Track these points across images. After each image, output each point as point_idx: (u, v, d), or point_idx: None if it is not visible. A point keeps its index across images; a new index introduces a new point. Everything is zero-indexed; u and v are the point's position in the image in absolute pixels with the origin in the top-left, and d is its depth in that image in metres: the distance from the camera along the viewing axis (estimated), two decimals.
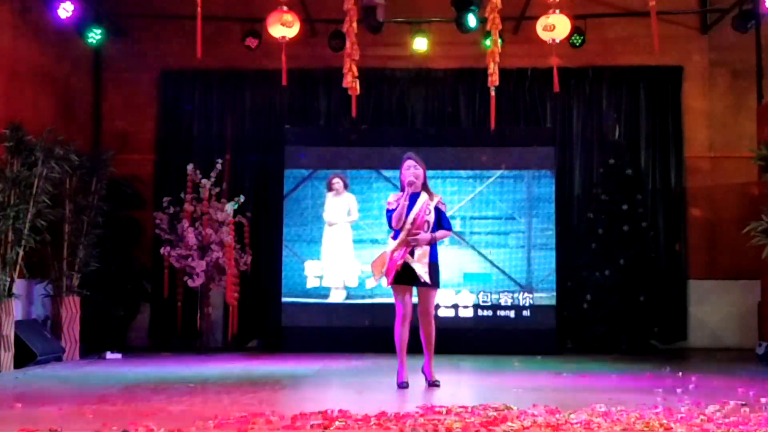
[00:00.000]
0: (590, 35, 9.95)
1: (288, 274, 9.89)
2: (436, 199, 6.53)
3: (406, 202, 6.37)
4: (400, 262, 6.35)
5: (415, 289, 6.48)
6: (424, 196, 6.47)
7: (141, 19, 10.42)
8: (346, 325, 9.73)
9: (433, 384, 6.47)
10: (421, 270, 6.35)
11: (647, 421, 4.57)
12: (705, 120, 10.68)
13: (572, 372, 7.59)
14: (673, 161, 10.52)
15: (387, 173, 9.85)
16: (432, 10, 10.27)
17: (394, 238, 6.45)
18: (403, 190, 6.45)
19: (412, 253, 6.37)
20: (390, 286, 6.50)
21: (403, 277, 6.38)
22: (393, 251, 6.39)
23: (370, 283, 9.71)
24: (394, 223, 6.41)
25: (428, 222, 6.42)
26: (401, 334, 6.42)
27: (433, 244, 6.45)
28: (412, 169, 6.45)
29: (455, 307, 9.74)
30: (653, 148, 10.54)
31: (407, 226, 6.36)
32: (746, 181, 10.08)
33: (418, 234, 6.36)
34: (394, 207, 6.42)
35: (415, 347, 6.57)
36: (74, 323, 8.77)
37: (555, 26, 8.20)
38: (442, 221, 6.52)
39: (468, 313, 9.74)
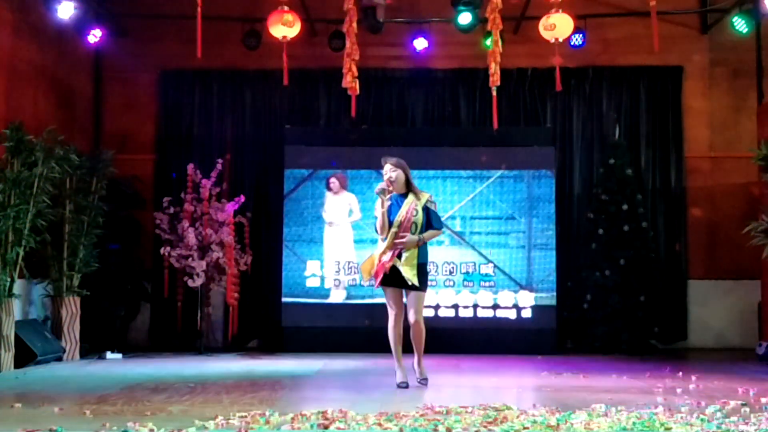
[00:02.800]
0: (590, 35, 9.96)
1: (288, 274, 9.90)
2: (424, 198, 6.46)
3: (385, 210, 6.34)
4: (388, 265, 6.34)
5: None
6: (410, 197, 6.42)
7: (141, 19, 10.42)
8: (346, 325, 9.73)
9: (421, 382, 6.47)
10: (410, 273, 6.31)
11: (647, 421, 4.57)
12: (705, 120, 10.68)
13: (572, 372, 7.59)
14: (673, 161, 10.53)
15: None
16: (432, 10, 10.27)
17: (384, 240, 6.44)
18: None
19: (399, 256, 6.35)
20: (380, 288, 6.51)
21: (392, 279, 6.37)
22: (381, 254, 6.39)
23: (368, 283, 9.74)
24: (378, 231, 6.43)
25: (415, 224, 6.36)
26: (395, 335, 6.44)
27: (421, 247, 6.39)
28: (389, 173, 6.42)
29: (455, 307, 9.73)
30: (653, 148, 10.54)
31: (393, 228, 6.34)
32: (746, 181, 10.09)
33: (404, 237, 6.33)
34: (377, 215, 6.42)
35: (411, 349, 6.58)
36: (74, 323, 8.77)
37: (555, 25, 8.20)
38: (431, 221, 6.45)
39: (468, 313, 9.73)
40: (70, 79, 10.10)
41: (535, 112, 10.58)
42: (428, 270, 6.62)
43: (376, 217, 6.46)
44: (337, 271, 9.87)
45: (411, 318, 6.42)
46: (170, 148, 10.64)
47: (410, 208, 6.37)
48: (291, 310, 9.81)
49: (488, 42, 8.53)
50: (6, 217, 7.52)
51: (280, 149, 10.12)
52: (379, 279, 6.40)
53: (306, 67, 10.25)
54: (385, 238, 6.38)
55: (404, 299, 6.47)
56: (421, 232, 6.38)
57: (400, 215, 6.34)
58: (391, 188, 6.40)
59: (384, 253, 6.37)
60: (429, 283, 6.73)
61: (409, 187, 6.46)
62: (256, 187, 10.53)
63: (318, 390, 6.56)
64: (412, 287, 6.35)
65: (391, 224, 6.35)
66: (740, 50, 10.38)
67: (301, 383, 6.96)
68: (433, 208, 6.50)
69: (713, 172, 10.61)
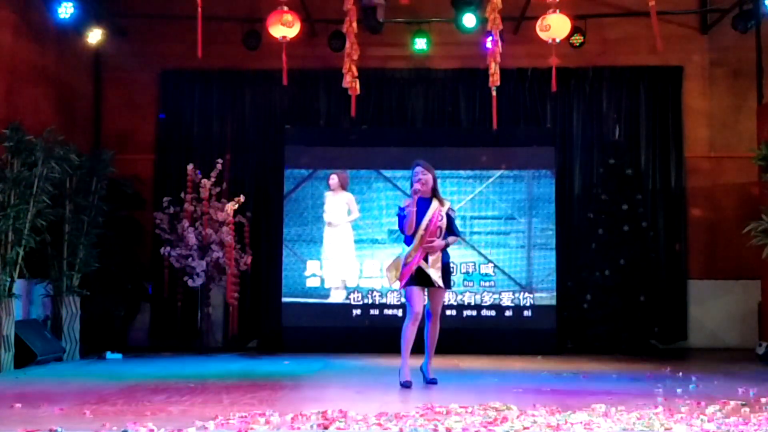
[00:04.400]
0: (590, 35, 9.96)
1: (288, 274, 9.89)
2: (446, 206, 6.63)
3: (414, 208, 6.46)
4: (415, 267, 6.47)
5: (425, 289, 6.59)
6: (435, 203, 6.57)
7: (141, 19, 10.42)
8: (346, 325, 9.73)
9: (431, 381, 6.57)
10: (435, 275, 6.49)
11: (647, 421, 4.57)
12: (705, 120, 10.68)
13: (572, 372, 7.59)
14: (673, 161, 10.52)
15: (387, 173, 9.86)
16: (432, 10, 10.27)
17: (407, 243, 6.55)
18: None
19: (426, 259, 6.49)
20: (403, 289, 6.61)
21: (417, 279, 6.49)
22: (407, 256, 6.50)
23: (368, 283, 9.76)
24: (405, 230, 6.52)
25: (441, 228, 6.53)
26: (410, 334, 6.51)
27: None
28: (419, 175, 6.56)
29: (455, 307, 9.73)
30: (653, 148, 10.54)
31: (421, 232, 6.46)
32: (746, 181, 10.08)
33: (432, 241, 6.46)
34: (405, 214, 6.52)
35: (416, 348, 6.60)
36: (74, 323, 8.76)
37: (550, 26, 8.20)
38: (452, 227, 6.63)
39: (468, 312, 9.74)
40: (70, 79, 10.10)
41: (535, 112, 10.57)
42: (451, 269, 6.75)
43: (401, 216, 6.55)
44: (337, 271, 9.88)
45: (432, 314, 6.58)
46: (170, 148, 10.64)
47: (436, 213, 6.53)
48: (291, 310, 9.81)
49: (488, 42, 8.53)
50: (6, 217, 7.52)
51: (280, 149, 10.12)
52: (405, 280, 6.49)
53: (306, 67, 10.25)
54: (409, 238, 6.48)
55: (424, 298, 6.56)
56: (444, 237, 6.54)
57: (427, 219, 6.47)
58: (423, 189, 6.52)
59: (411, 255, 6.48)
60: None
61: (434, 193, 6.59)
62: (256, 187, 10.53)
63: (318, 390, 6.56)
64: (437, 287, 6.50)
65: (417, 226, 6.45)
66: (740, 50, 10.38)
67: (301, 383, 6.96)
68: (453, 215, 6.68)
69: (713, 172, 10.61)
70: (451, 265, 6.85)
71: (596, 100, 10.62)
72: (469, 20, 9.37)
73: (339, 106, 10.33)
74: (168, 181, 10.40)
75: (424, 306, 6.55)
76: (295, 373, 7.63)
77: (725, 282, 10.36)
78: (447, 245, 6.57)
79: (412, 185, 6.60)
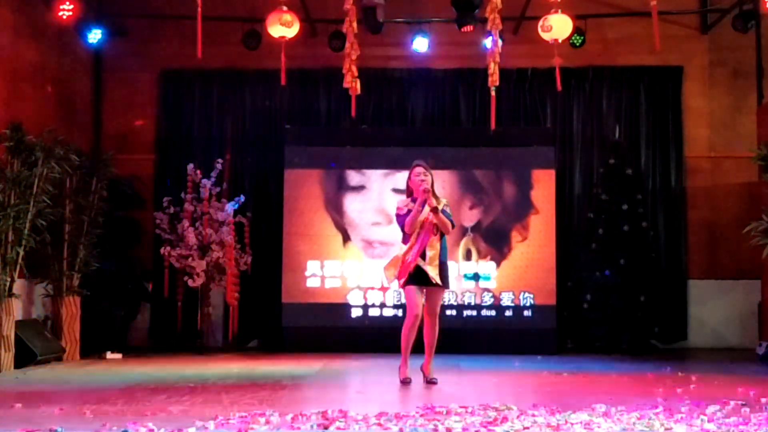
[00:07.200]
0: (590, 35, 9.95)
1: (288, 274, 9.88)
2: (442, 203, 6.62)
3: (420, 208, 6.46)
4: (413, 265, 6.45)
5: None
6: (432, 201, 6.55)
7: (141, 19, 10.42)
8: (346, 325, 9.73)
9: (431, 381, 6.58)
10: (433, 272, 6.47)
11: (647, 421, 4.57)
12: (705, 120, 10.68)
13: (572, 372, 7.59)
14: (673, 161, 10.52)
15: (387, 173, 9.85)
16: (432, 10, 10.27)
17: (405, 241, 6.55)
18: (409, 195, 6.60)
19: (423, 256, 6.48)
20: (402, 288, 6.62)
21: (416, 278, 6.49)
22: (405, 254, 6.51)
23: (368, 283, 9.76)
24: (407, 229, 6.51)
25: (436, 225, 6.51)
26: (410, 333, 6.53)
27: (442, 246, 6.56)
28: (422, 176, 6.56)
29: (456, 307, 9.73)
30: (653, 148, 10.54)
31: (417, 230, 6.47)
32: (746, 181, 10.09)
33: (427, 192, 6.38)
34: (404, 212, 6.53)
35: (416, 347, 6.61)
36: (74, 323, 8.76)
37: (552, 27, 8.20)
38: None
39: (468, 312, 9.73)
40: (70, 79, 10.10)
41: (535, 112, 10.58)
42: (448, 266, 6.70)
43: (400, 215, 6.56)
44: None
45: (430, 314, 6.56)
46: (170, 148, 10.64)
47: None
48: (291, 310, 9.81)
49: (488, 42, 8.53)
50: (6, 217, 7.52)
51: (280, 149, 10.11)
52: (403, 279, 6.50)
53: (306, 67, 10.26)
54: (408, 238, 6.49)
55: (422, 298, 6.54)
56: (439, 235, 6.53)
57: (422, 216, 6.47)
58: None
59: (408, 252, 6.48)
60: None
61: (432, 192, 6.59)
62: (256, 187, 10.52)
63: (318, 390, 6.56)
64: (435, 285, 6.49)
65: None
66: (740, 50, 10.38)
67: (301, 383, 6.96)
68: (447, 210, 6.64)
69: (713, 172, 10.61)
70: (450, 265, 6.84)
71: (596, 100, 10.62)
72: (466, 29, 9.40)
73: (339, 106, 10.33)
74: (168, 181, 10.39)
75: (423, 306, 6.54)
76: (295, 373, 7.63)
77: (725, 282, 10.36)
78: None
79: (408, 182, 6.62)
